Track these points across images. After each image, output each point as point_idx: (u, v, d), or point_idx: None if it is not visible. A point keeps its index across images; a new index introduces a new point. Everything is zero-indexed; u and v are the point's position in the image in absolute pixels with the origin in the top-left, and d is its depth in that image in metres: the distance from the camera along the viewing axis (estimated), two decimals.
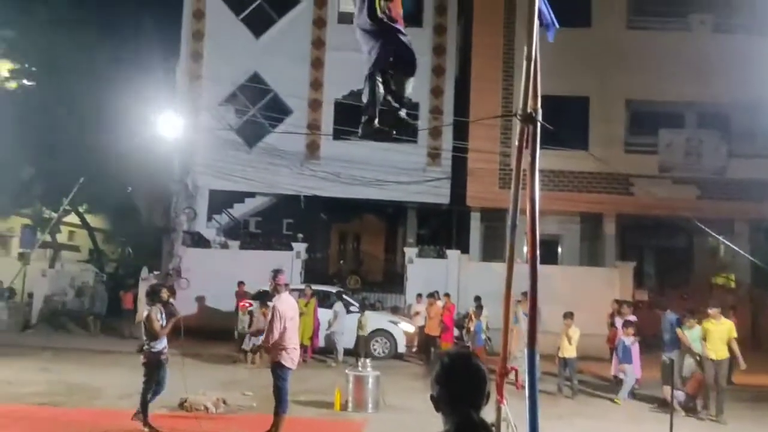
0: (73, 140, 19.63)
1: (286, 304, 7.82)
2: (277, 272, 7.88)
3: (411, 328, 16.03)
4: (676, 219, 14.68)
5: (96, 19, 21.31)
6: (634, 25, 19.49)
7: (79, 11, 20.87)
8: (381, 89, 4.78)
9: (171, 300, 8.60)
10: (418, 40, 20.08)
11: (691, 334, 10.90)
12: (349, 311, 15.62)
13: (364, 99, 4.82)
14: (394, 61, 4.77)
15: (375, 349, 15.63)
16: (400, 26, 4.77)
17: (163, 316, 8.26)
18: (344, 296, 16.32)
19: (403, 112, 4.98)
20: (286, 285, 8.03)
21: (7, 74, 21.91)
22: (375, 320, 15.91)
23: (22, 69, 21.91)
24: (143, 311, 8.24)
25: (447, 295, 15.88)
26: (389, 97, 4.82)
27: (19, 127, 19.52)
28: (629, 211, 18.66)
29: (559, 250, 20.50)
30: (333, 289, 16.98)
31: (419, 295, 16.54)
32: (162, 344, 8.22)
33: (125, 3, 21.78)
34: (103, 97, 19.64)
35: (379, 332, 15.84)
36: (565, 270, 18.29)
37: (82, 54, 20.68)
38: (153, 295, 8.40)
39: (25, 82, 22.06)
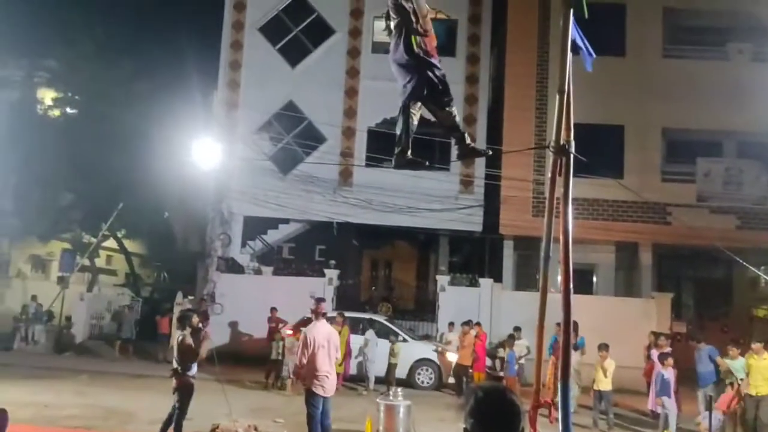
0: (113, 167, 20.11)
1: (317, 331, 7.90)
2: (318, 300, 8.27)
3: (454, 357, 15.57)
4: (714, 249, 14.36)
5: (137, 49, 21.97)
6: (670, 54, 19.35)
7: (121, 42, 21.54)
8: (415, 121, 4.86)
9: (201, 326, 8.72)
10: (452, 69, 20.25)
11: (733, 365, 10.60)
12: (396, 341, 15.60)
13: (398, 130, 4.89)
14: (428, 94, 4.83)
15: (420, 379, 15.52)
16: (435, 60, 4.85)
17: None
18: (393, 326, 16.27)
19: (468, 140, 5.09)
20: (324, 314, 8.19)
21: (50, 102, 22.58)
22: (420, 349, 15.81)
23: (65, 98, 22.56)
24: (176, 336, 8.35)
25: (478, 324, 15.73)
26: (452, 133, 4.94)
27: (60, 154, 20.11)
28: (666, 241, 18.34)
29: (594, 279, 20.20)
30: (381, 318, 16.93)
31: (451, 324, 16.41)
32: (195, 369, 8.31)
33: (165, 34, 22.45)
34: (142, 124, 20.18)
35: (423, 362, 15.70)
36: (600, 300, 18.00)
37: (122, 83, 21.33)
38: (183, 321, 8.52)
39: (67, 110, 22.70)
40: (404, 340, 15.92)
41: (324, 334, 7.97)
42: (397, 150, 4.88)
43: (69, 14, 21.63)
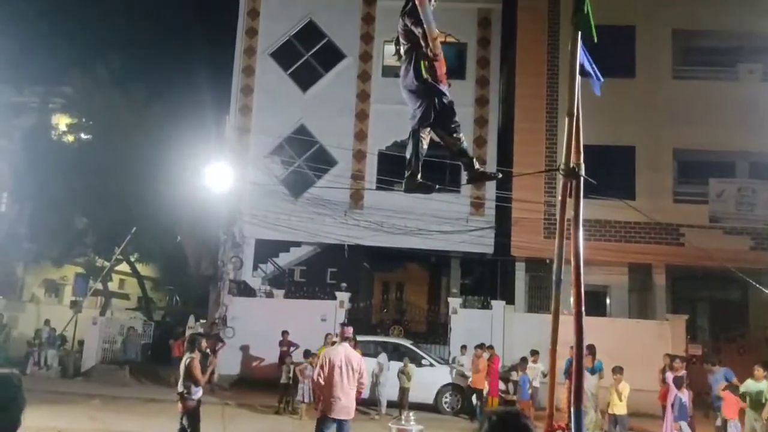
0: (126, 191, 20.31)
1: (335, 353, 8.00)
2: (342, 325, 8.83)
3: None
4: (728, 270, 14.25)
5: (151, 75, 22.34)
6: (680, 75, 19.39)
7: (135, 68, 21.89)
8: (424, 145, 4.91)
9: (208, 350, 8.82)
10: (462, 91, 20.42)
11: (755, 386, 10.38)
12: (420, 365, 15.50)
13: (408, 154, 4.93)
14: (436, 120, 4.88)
15: (446, 404, 15.40)
16: (444, 86, 4.90)
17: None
18: (415, 349, 16.19)
19: (477, 165, 5.13)
20: (346, 337, 8.28)
21: (65, 128, 22.88)
22: (446, 374, 15.68)
23: (80, 123, 22.86)
24: (184, 359, 8.41)
25: (491, 347, 15.63)
26: (461, 158, 4.97)
27: (74, 179, 20.33)
28: (679, 262, 18.20)
29: (608, 301, 20.05)
30: (407, 342, 16.80)
31: (464, 347, 16.32)
32: (200, 392, 8.36)
33: (179, 60, 22.79)
34: (155, 149, 20.41)
35: (449, 387, 15.53)
36: (614, 322, 17.84)
37: (136, 109, 21.63)
38: (193, 344, 8.59)
39: (82, 135, 22.99)
40: (431, 365, 15.81)
41: (341, 356, 7.98)
42: (407, 174, 4.92)
43: (85, 41, 22.02)
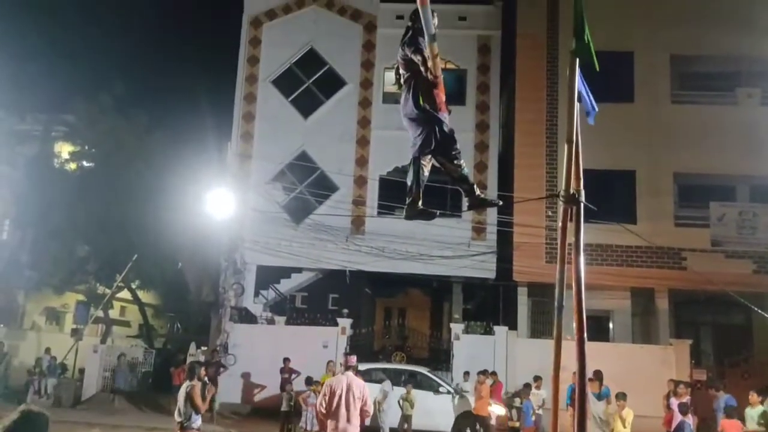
0: (128, 218, 20.34)
1: (337, 381, 8.09)
2: (345, 354, 9.34)
3: (502, 411, 15.03)
4: (731, 294, 14.23)
5: (153, 103, 22.50)
6: (679, 99, 19.52)
7: (138, 96, 22.05)
8: (426, 172, 4.95)
9: (207, 378, 8.82)
10: (462, 117, 20.55)
11: (753, 412, 10.33)
12: (437, 392, 15.34)
13: (408, 182, 4.96)
14: (437, 147, 4.91)
15: None
16: (443, 114, 4.94)
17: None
18: (432, 376, 16.03)
19: (478, 191, 5.17)
20: (351, 366, 8.38)
21: (67, 156, 23.00)
22: (463, 402, 15.51)
23: (82, 151, 22.98)
24: (184, 387, 8.39)
25: (494, 373, 15.52)
26: (461, 185, 4.99)
27: (76, 207, 20.38)
28: (682, 286, 18.14)
29: (611, 326, 19.96)
30: (423, 370, 16.64)
31: (467, 373, 16.19)
32: (200, 421, 8.33)
33: (181, 88, 22.99)
34: (157, 175, 20.49)
35: (467, 415, 15.23)
36: (617, 347, 17.75)
37: (139, 136, 21.76)
38: (192, 372, 8.59)
39: (84, 163, 23.08)
40: (449, 393, 15.65)
41: (344, 385, 8.02)
42: (408, 201, 4.95)
43: (88, 69, 22.26)
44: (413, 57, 4.92)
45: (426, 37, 4.78)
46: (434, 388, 15.41)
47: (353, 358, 8.58)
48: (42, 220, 21.50)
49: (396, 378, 15.70)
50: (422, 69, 4.92)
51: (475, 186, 5.15)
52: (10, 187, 23.47)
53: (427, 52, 4.84)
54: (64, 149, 23.46)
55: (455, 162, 5.00)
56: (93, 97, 21.86)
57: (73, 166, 22.79)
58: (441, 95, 4.95)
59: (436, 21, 4.93)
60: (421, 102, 4.83)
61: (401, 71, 5.05)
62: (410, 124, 4.98)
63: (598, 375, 12.47)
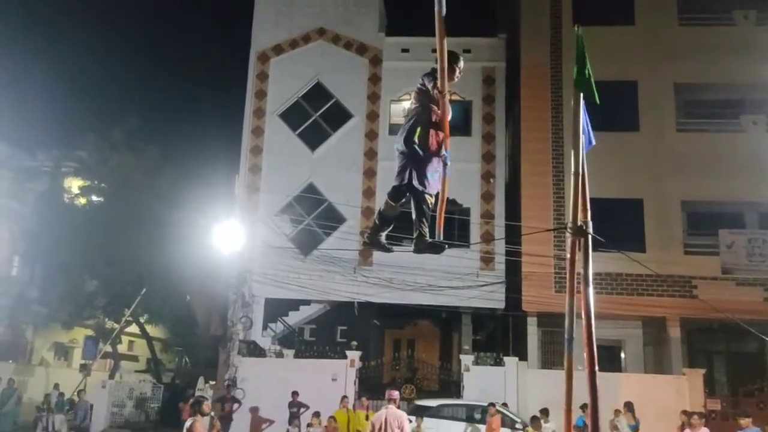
0: (137, 252, 20.40)
1: (377, 417, 9.08)
2: (388, 389, 9.83)
3: None
4: (741, 323, 14.07)
5: (162, 137, 22.74)
6: (684, 128, 19.56)
7: (147, 131, 22.29)
8: (427, 207, 4.95)
9: (212, 413, 8.82)
10: (468, 147, 20.71)
11: None
12: (514, 429, 15.05)
13: (413, 216, 4.99)
14: (407, 185, 4.93)
15: None
16: (433, 153, 4.92)
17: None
18: (504, 411, 15.61)
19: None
20: (394, 400, 9.28)
21: (77, 191, 23.19)
22: None
23: (92, 186, 23.17)
24: (187, 422, 8.33)
25: (504, 404, 15.31)
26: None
27: (85, 241, 20.48)
28: (693, 315, 17.94)
29: (622, 355, 19.74)
30: (452, 401, 16.36)
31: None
32: None
33: (190, 122, 23.24)
34: (166, 210, 20.60)
35: None
36: (629, 378, 17.52)
37: (148, 170, 21.95)
38: (196, 406, 8.55)
39: (93, 198, 23.25)
40: (523, 428, 15.26)
41: (382, 419, 8.93)
42: (415, 234, 4.97)
43: (98, 106, 22.57)
44: (428, 86, 4.97)
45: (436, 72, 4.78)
46: (508, 424, 15.01)
47: (395, 393, 9.44)
48: (51, 255, 21.61)
49: (470, 412, 15.42)
50: (430, 105, 4.96)
51: (384, 232, 5.17)
52: (19, 223, 23.67)
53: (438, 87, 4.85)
54: (74, 184, 23.65)
55: (398, 204, 5.05)
56: (104, 133, 22.12)
57: (82, 200, 22.96)
58: (438, 136, 4.94)
59: (461, 65, 5.05)
60: (415, 139, 4.87)
61: (412, 100, 5.12)
62: (397, 153, 5.08)
63: (629, 407, 12.34)
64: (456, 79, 5.14)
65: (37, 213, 22.78)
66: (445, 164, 5.05)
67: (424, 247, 4.96)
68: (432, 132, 4.89)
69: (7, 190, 24.16)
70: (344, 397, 15.01)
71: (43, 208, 22.43)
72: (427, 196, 4.99)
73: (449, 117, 4.98)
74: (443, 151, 4.96)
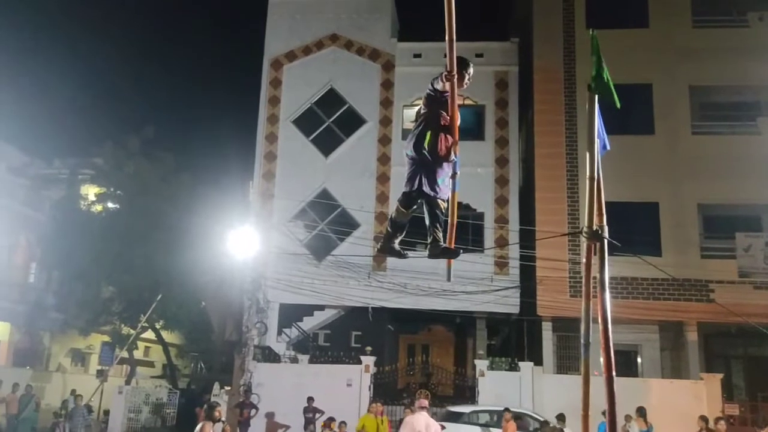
0: (152, 258, 20.53)
1: (416, 420, 9.21)
2: (418, 396, 9.97)
3: None
4: (762, 326, 13.94)
5: (177, 144, 22.91)
6: (699, 130, 19.43)
7: (163, 138, 22.43)
8: (441, 210, 4.94)
9: (223, 419, 8.91)
10: (481, 152, 20.71)
11: None
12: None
13: (427, 222, 4.98)
14: (417, 191, 4.92)
15: None
16: (441, 162, 4.90)
17: None
18: (538, 416, 15.45)
19: (397, 242, 5.19)
20: (423, 407, 9.41)
21: (93, 198, 23.39)
22: None
23: (108, 193, 23.35)
24: (197, 427, 8.39)
25: (508, 410, 15.19)
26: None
27: (101, 248, 20.63)
28: (710, 319, 17.79)
29: (639, 360, 19.59)
30: (527, 411, 16.00)
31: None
32: None
33: (205, 129, 23.39)
34: (181, 216, 20.73)
35: None
36: (646, 383, 17.38)
37: (163, 177, 22.10)
38: (208, 411, 8.64)
39: (109, 205, 23.42)
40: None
41: (422, 424, 9.08)
42: (429, 240, 4.96)
43: (114, 114, 22.77)
44: (436, 87, 4.96)
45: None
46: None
47: (425, 401, 9.54)
48: (67, 262, 21.77)
49: (489, 419, 15.40)
50: (441, 111, 4.94)
51: (397, 238, 5.16)
52: (36, 230, 23.90)
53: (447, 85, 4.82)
54: (91, 191, 23.84)
55: (409, 210, 5.03)
56: (120, 141, 22.31)
57: (99, 208, 23.13)
58: (447, 141, 4.91)
59: (471, 72, 5.05)
60: (425, 145, 4.85)
61: (422, 106, 5.12)
62: (407, 159, 5.07)
63: (641, 412, 12.24)
64: (465, 85, 5.13)
65: (53, 220, 22.98)
66: (454, 174, 5.02)
67: (438, 252, 4.95)
68: (441, 137, 4.88)
69: (25, 197, 24.40)
70: (373, 402, 14.95)
71: (60, 216, 22.61)
72: (439, 202, 4.97)
73: (458, 122, 4.96)
74: (453, 157, 4.94)
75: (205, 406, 9.38)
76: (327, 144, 21.76)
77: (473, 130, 21.29)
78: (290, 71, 22.41)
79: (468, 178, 20.19)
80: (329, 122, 21.92)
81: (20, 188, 24.52)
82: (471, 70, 5.12)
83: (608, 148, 4.91)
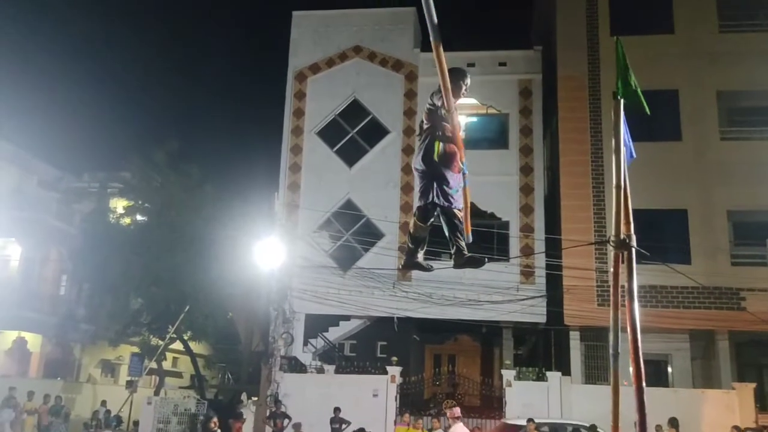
0: (180, 270, 20.74)
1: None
2: (451, 406, 10.19)
3: None
4: None
5: (203, 157, 23.17)
6: (728, 136, 19.17)
7: (189, 151, 22.71)
8: (459, 221, 4.93)
9: (218, 430, 9.05)
10: (505, 160, 20.66)
11: None
12: None
13: (446, 233, 4.99)
14: (432, 204, 4.93)
15: None
16: (452, 172, 4.92)
17: None
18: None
19: (420, 255, 5.20)
20: (456, 417, 9.67)
21: (122, 211, 23.73)
22: None
23: (136, 206, 23.67)
24: None
25: (532, 420, 15.01)
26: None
27: (130, 260, 20.91)
28: (741, 328, 17.47)
29: (669, 370, 19.28)
30: (584, 424, 15.17)
31: (530, 420, 15.68)
32: None
33: (231, 141, 23.61)
34: (208, 228, 20.92)
35: None
36: (677, 393, 17.08)
37: (190, 188, 22.35)
38: (205, 423, 8.77)
39: (138, 217, 23.75)
40: None
41: None
42: (453, 250, 4.97)
43: (143, 128, 23.13)
44: (437, 103, 4.98)
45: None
46: None
47: (457, 410, 9.85)
48: (97, 274, 22.08)
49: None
50: (443, 124, 4.96)
51: (420, 251, 5.16)
52: (67, 243, 24.32)
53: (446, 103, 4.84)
54: (119, 204, 24.20)
55: (428, 223, 5.03)
56: (147, 155, 22.64)
57: (127, 220, 23.45)
58: (451, 149, 4.93)
59: (468, 82, 5.07)
60: (435, 156, 4.87)
61: (424, 120, 5.14)
62: (417, 174, 5.07)
63: (673, 423, 12.06)
64: (462, 96, 5.14)
65: (84, 233, 23.33)
66: (464, 174, 5.06)
67: (463, 262, 4.96)
68: (449, 147, 4.91)
69: (56, 211, 24.86)
70: (405, 412, 14.92)
71: (90, 229, 22.95)
72: (456, 212, 4.98)
73: (461, 131, 5.00)
74: (461, 164, 4.98)
75: (201, 417, 9.55)
76: (351, 155, 21.87)
77: (497, 139, 21.24)
78: (314, 83, 22.59)
79: (492, 186, 20.19)
80: (353, 133, 22.04)
81: (52, 202, 25.01)
82: (468, 81, 5.12)
83: (634, 156, 4.88)
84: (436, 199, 4.91)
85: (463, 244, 4.97)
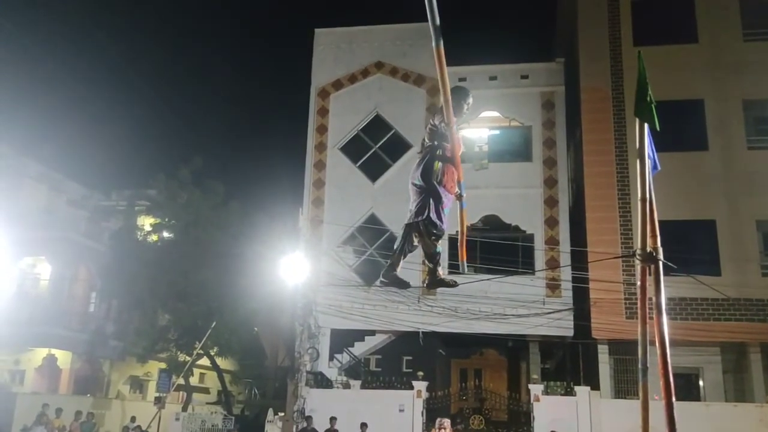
0: (206, 286, 20.95)
1: None
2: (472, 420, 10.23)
3: None
4: None
5: (228, 174, 23.42)
6: (755, 145, 18.89)
7: (214, 168, 22.99)
8: (414, 243, 4.96)
9: None
10: (529, 173, 20.58)
11: None
12: None
13: (395, 246, 5.03)
14: (424, 222, 4.93)
15: None
16: (446, 192, 4.98)
17: None
18: None
19: (440, 271, 5.25)
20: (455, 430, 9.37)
21: (149, 228, 24.07)
22: None
23: (163, 223, 24.00)
24: None
25: None
26: (430, 262, 5.02)
27: (157, 277, 21.18)
28: None
29: (701, 383, 18.93)
30: None
31: None
32: None
33: (255, 158, 23.86)
34: (233, 244, 21.14)
35: None
36: (708, 407, 16.77)
37: (215, 205, 22.63)
38: None
39: (164, 234, 24.06)
40: None
41: None
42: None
43: (169, 147, 23.47)
44: (437, 122, 5.01)
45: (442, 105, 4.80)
46: None
47: (447, 422, 9.98)
48: (126, 291, 22.38)
49: None
50: (445, 144, 4.99)
51: (439, 268, 5.17)
52: (96, 261, 24.69)
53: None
54: (147, 222, 24.54)
55: (432, 239, 5.04)
56: (173, 172, 22.98)
57: (154, 237, 23.77)
58: (450, 172, 4.97)
59: (470, 102, 5.11)
60: (433, 174, 4.92)
61: (425, 138, 5.17)
62: (412, 189, 5.08)
63: None
64: (464, 115, 5.18)
65: (112, 250, 23.69)
66: (461, 195, 5.10)
67: (390, 279, 5.07)
68: (447, 168, 4.95)
69: (85, 229, 25.28)
70: (440, 426, 14.80)
71: (118, 246, 23.30)
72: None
73: (461, 151, 5.03)
74: (458, 189, 5.04)
75: None
76: (374, 169, 21.95)
77: (521, 152, 21.18)
78: (337, 99, 22.76)
79: (516, 199, 20.11)
80: (376, 148, 22.13)
81: (81, 220, 25.44)
82: (470, 100, 5.18)
83: (659, 168, 4.85)
84: (431, 214, 4.93)
85: (399, 261, 5.03)
